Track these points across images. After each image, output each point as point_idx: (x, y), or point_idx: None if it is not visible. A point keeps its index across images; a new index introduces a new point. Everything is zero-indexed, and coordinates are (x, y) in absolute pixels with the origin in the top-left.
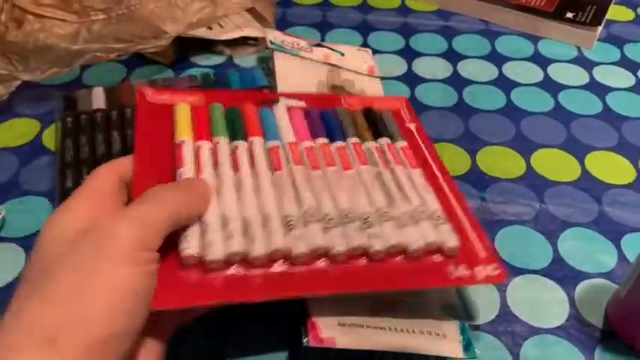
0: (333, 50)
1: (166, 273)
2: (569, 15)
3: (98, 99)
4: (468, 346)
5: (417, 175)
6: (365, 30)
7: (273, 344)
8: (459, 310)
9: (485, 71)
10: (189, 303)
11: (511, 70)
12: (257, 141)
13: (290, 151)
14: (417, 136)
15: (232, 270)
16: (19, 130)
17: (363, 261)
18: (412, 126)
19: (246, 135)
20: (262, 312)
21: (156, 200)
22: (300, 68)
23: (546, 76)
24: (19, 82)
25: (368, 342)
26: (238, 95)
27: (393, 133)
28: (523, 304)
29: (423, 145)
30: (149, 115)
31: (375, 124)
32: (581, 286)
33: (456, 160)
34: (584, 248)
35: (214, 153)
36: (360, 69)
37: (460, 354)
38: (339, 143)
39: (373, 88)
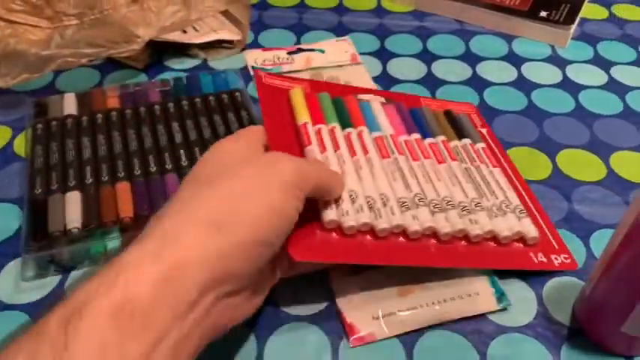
0: (314, 50)
1: (309, 232)
2: (543, 14)
3: (69, 105)
4: (501, 297)
5: (498, 174)
6: (341, 31)
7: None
8: None
9: (460, 71)
10: (330, 258)
11: (485, 69)
12: (365, 130)
13: (392, 142)
14: (490, 140)
15: (360, 237)
16: None
17: (463, 242)
18: (484, 131)
19: (352, 124)
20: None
21: (308, 160)
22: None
23: (520, 75)
24: None
25: (405, 326)
26: (337, 87)
27: (473, 135)
28: None
29: (496, 149)
30: (267, 95)
31: (456, 125)
32: (550, 284)
33: None
34: None
35: (332, 136)
36: (343, 61)
37: (495, 306)
38: (431, 140)
39: (360, 76)
